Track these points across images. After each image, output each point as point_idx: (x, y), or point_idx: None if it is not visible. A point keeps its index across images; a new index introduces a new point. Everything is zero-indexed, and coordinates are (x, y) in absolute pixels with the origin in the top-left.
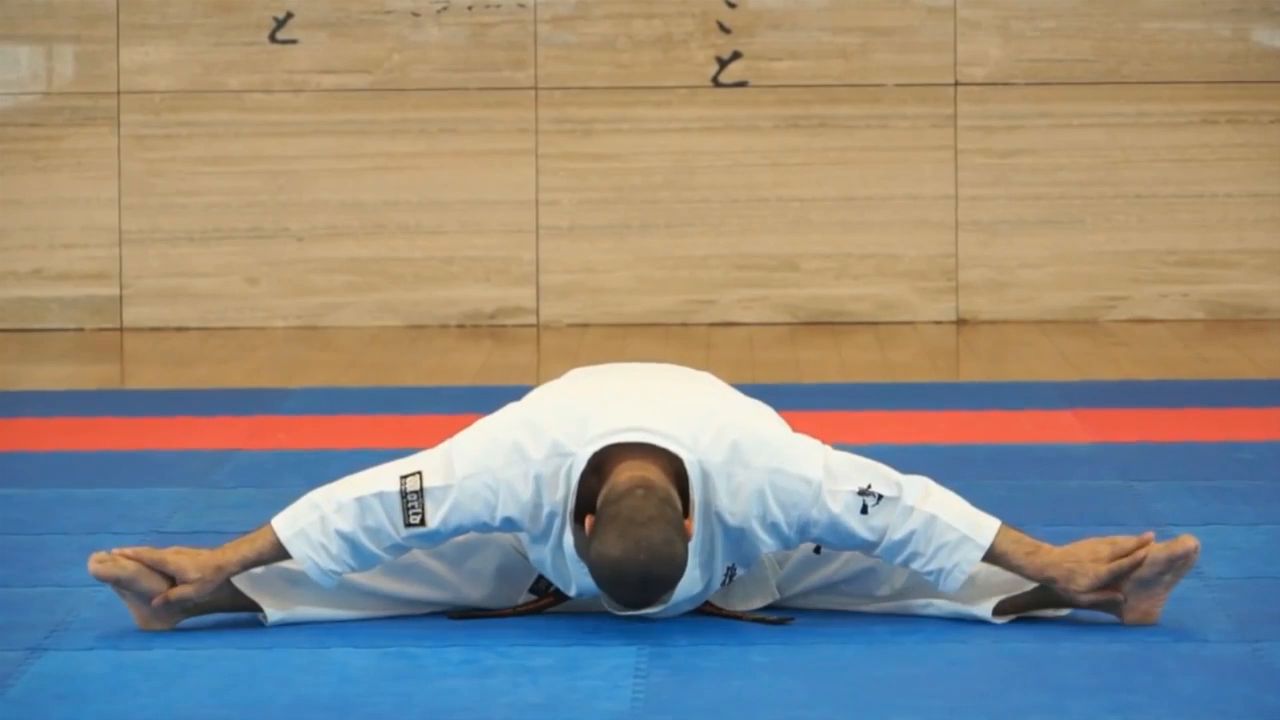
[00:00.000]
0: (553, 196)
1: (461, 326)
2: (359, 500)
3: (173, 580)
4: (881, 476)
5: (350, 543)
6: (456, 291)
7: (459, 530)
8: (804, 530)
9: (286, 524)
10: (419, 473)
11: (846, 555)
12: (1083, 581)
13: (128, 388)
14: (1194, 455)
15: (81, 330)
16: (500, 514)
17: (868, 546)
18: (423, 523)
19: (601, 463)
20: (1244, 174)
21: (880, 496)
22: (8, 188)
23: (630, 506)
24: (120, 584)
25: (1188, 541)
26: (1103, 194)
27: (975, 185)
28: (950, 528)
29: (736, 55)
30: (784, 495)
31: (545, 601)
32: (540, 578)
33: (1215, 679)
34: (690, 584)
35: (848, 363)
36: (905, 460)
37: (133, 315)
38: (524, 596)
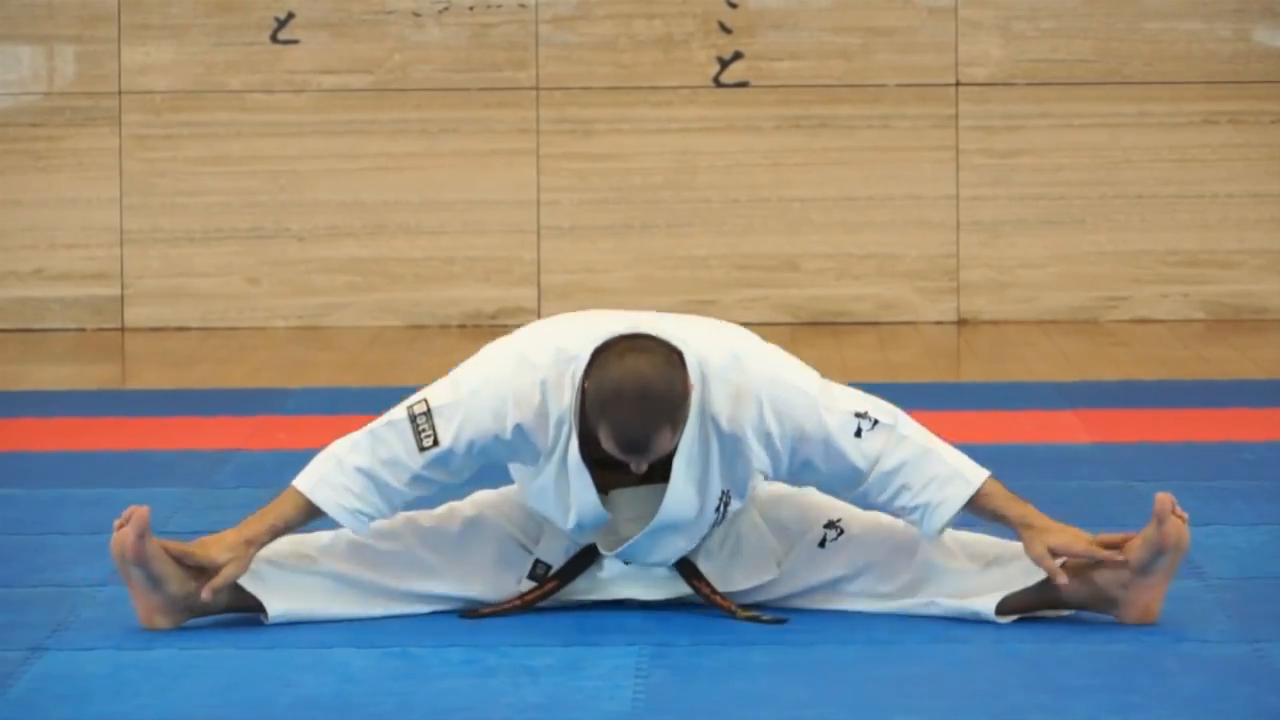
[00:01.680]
0: (554, 196)
1: (462, 327)
2: (370, 433)
3: (201, 570)
4: (878, 405)
5: (370, 478)
6: (457, 291)
7: (472, 449)
8: (796, 448)
9: (306, 478)
10: (424, 399)
11: (850, 552)
12: (1054, 539)
13: (128, 388)
14: (1194, 455)
15: (82, 330)
16: (511, 422)
17: (858, 477)
18: (435, 443)
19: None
20: (1245, 174)
21: (876, 422)
22: (9, 188)
23: (631, 342)
24: (147, 570)
25: (1170, 516)
26: (1103, 194)
27: (976, 185)
28: (943, 461)
29: (738, 55)
30: (781, 404)
31: (549, 586)
32: (537, 564)
33: (1216, 679)
34: (685, 503)
35: (848, 363)
36: None
37: (134, 315)
38: (524, 584)
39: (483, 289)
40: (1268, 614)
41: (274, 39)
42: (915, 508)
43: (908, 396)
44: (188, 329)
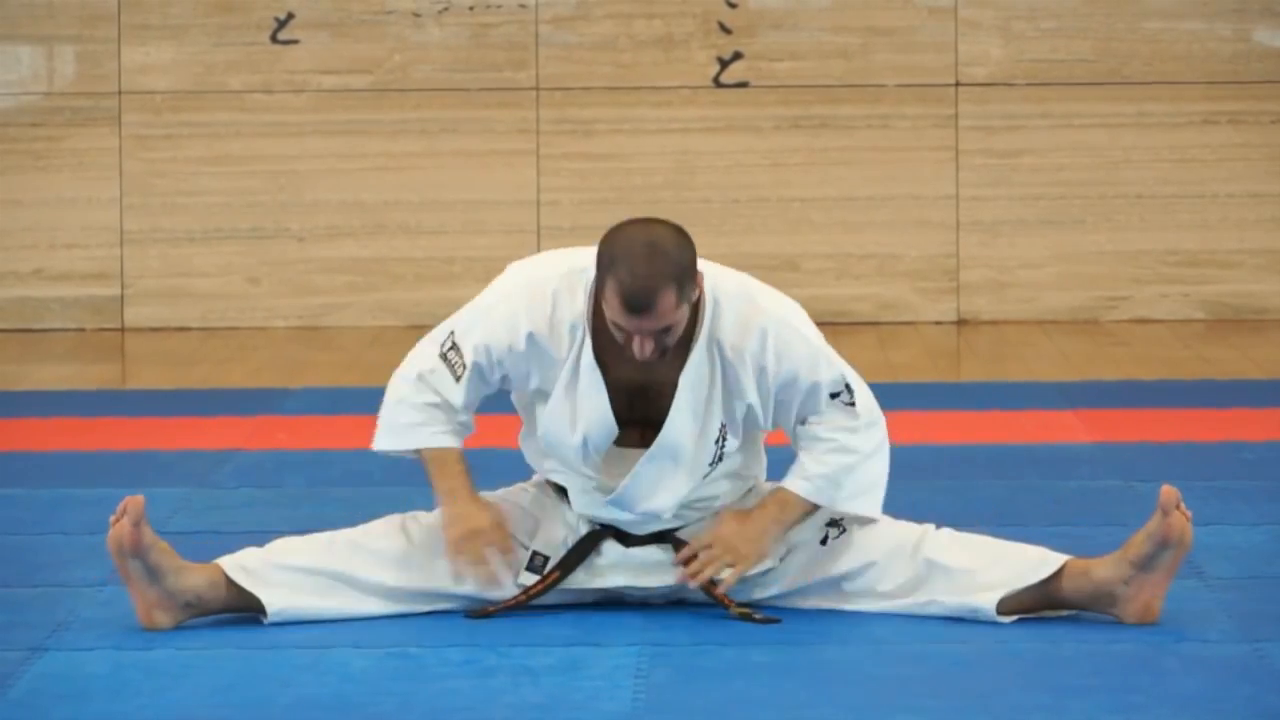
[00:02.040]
0: (554, 197)
1: None
2: (420, 378)
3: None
4: (865, 396)
5: (434, 411)
6: (457, 291)
7: (492, 358)
8: (781, 391)
9: (395, 438)
10: (450, 331)
11: (850, 550)
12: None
13: (128, 388)
14: (1194, 455)
15: (82, 330)
16: (524, 331)
17: (803, 428)
18: (465, 368)
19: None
20: (1245, 174)
21: (852, 405)
22: (9, 188)
23: (645, 219)
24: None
25: (1174, 510)
26: (1103, 194)
27: (976, 185)
28: (867, 474)
29: (737, 55)
30: (783, 345)
31: (551, 578)
32: (534, 555)
33: (1216, 679)
34: (685, 430)
35: (848, 363)
36: (906, 460)
37: (133, 315)
38: (524, 576)
39: (482, 289)
40: (1268, 614)
41: (274, 39)
42: (808, 468)
43: (908, 397)
44: (188, 329)
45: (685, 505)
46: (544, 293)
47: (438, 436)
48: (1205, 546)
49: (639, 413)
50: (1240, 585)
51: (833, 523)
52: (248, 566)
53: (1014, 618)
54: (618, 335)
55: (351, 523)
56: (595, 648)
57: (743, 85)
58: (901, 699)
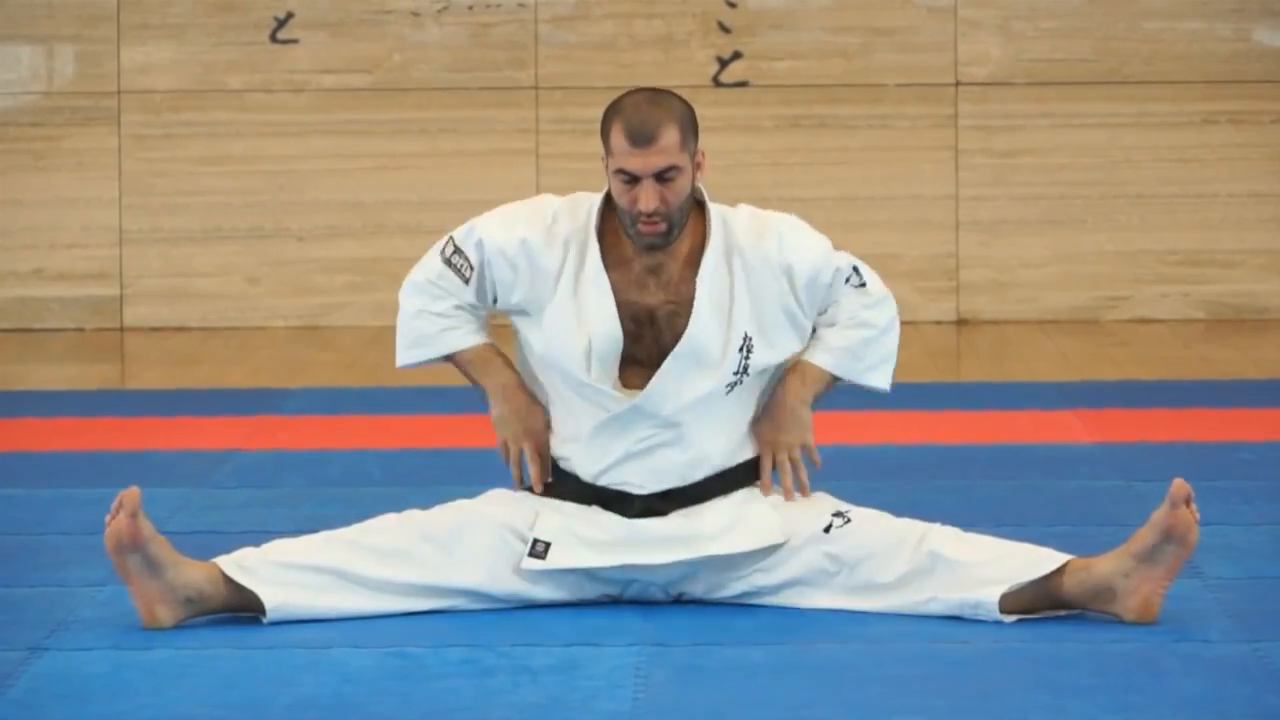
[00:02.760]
0: None
1: None
2: (430, 284)
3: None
4: (873, 277)
5: (452, 317)
6: None
7: (484, 254)
8: (810, 283)
9: (416, 349)
10: (450, 237)
11: (853, 538)
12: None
13: (128, 388)
14: (1195, 455)
15: (82, 330)
16: (518, 235)
17: (829, 318)
18: (471, 269)
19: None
20: (1245, 174)
21: (864, 284)
22: (8, 188)
23: None
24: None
25: (1182, 504)
26: (1103, 194)
27: (976, 185)
28: (884, 345)
29: (737, 55)
30: (800, 242)
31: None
32: (535, 543)
33: (1216, 679)
34: (708, 333)
35: None
36: (906, 460)
37: (133, 315)
38: (527, 562)
39: None
40: (1268, 614)
41: (273, 39)
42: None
43: (908, 397)
44: (187, 329)
45: (687, 464)
46: (544, 207)
47: (471, 336)
48: (1205, 547)
49: (645, 348)
50: (1240, 585)
51: (838, 514)
52: (245, 564)
53: (1015, 617)
54: (624, 196)
55: (352, 522)
56: (595, 647)
57: (742, 85)
58: (902, 699)
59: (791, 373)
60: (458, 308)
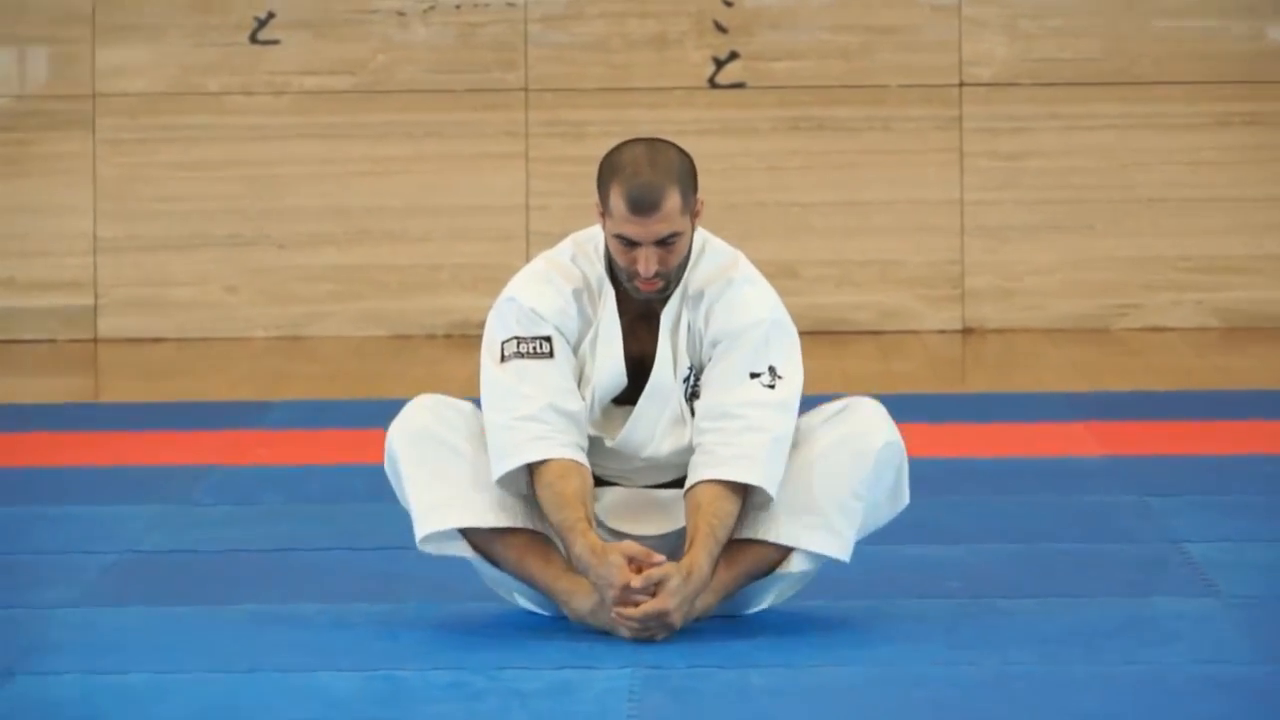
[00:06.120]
0: (544, 201)
1: (449, 336)
2: (511, 388)
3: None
4: (790, 390)
5: (550, 412)
6: (444, 300)
7: (553, 315)
8: (715, 345)
9: (511, 456)
10: (514, 336)
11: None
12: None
13: (102, 401)
14: (1211, 469)
15: (54, 341)
16: (568, 288)
17: (714, 404)
18: (549, 339)
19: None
20: (1259, 177)
21: (772, 387)
22: None
23: None
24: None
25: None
26: (1113, 198)
27: (981, 189)
28: (770, 455)
29: (734, 56)
30: (739, 305)
31: None
32: None
33: (1234, 701)
34: (664, 364)
35: (849, 373)
36: (910, 475)
37: (108, 326)
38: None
39: (470, 298)
40: None
41: (254, 39)
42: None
43: (911, 409)
44: (164, 340)
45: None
46: (564, 261)
47: (563, 449)
48: (1222, 564)
49: (626, 391)
50: (1261, 604)
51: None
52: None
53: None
54: (622, 256)
55: (334, 542)
56: (587, 670)
57: (739, 86)
58: None
59: (697, 541)
60: (537, 417)
